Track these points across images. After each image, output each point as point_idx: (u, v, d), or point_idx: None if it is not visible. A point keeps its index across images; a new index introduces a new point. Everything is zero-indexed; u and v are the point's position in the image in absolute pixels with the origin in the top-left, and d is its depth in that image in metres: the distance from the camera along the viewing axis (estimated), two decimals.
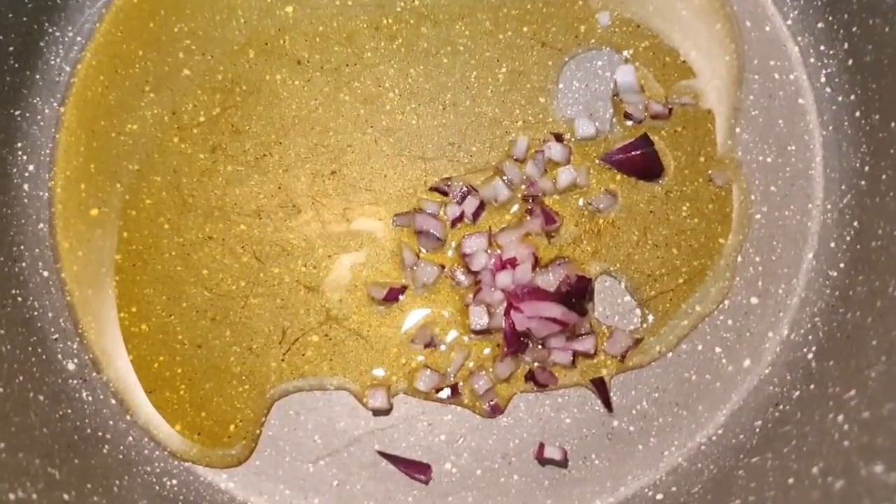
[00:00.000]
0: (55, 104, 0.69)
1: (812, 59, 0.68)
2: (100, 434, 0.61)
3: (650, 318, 0.63)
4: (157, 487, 0.60)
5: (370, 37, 0.70)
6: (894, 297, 0.55)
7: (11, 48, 0.66)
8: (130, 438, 0.62)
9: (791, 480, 0.51)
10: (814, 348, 0.61)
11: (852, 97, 0.65)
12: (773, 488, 0.51)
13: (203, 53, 0.70)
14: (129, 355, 0.64)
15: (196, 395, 0.63)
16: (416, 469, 0.61)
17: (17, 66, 0.67)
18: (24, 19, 0.67)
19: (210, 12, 0.71)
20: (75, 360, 0.63)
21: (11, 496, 0.48)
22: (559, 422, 0.62)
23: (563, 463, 0.61)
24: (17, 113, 0.67)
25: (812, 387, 0.58)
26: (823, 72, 0.67)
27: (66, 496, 0.52)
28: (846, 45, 0.65)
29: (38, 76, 0.69)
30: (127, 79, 0.70)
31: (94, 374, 0.63)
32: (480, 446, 0.62)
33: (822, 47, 0.67)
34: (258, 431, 0.62)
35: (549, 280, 0.62)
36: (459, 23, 0.70)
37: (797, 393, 0.59)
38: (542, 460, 0.61)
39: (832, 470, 0.47)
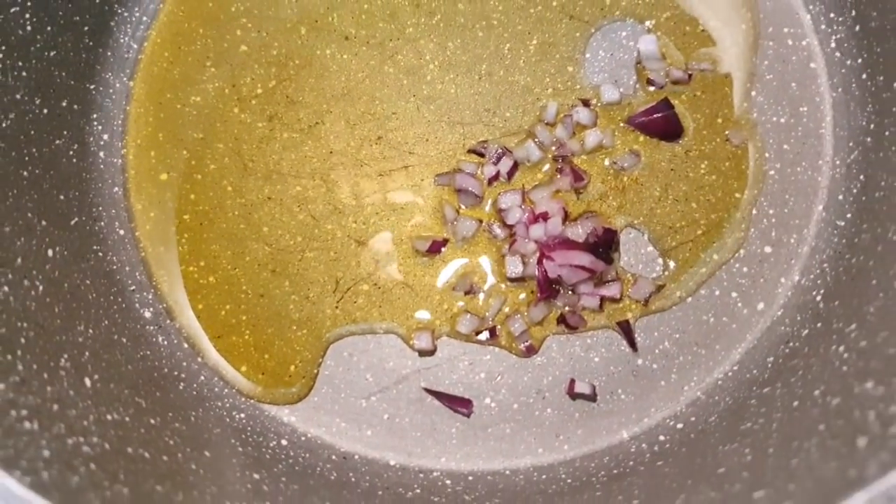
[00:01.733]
0: (125, 78, 0.75)
1: (823, 26, 0.73)
2: (175, 373, 0.68)
3: (671, 266, 0.69)
4: (228, 420, 0.67)
5: (411, 13, 0.76)
6: (894, 241, 0.60)
7: (86, 28, 0.73)
8: (202, 378, 0.69)
9: (795, 403, 0.56)
10: (822, 291, 0.66)
11: (859, 61, 0.70)
12: (780, 411, 0.57)
13: (258, 31, 0.76)
14: (199, 305, 0.71)
15: (259, 340, 0.70)
16: (458, 403, 0.67)
17: (91, 44, 0.73)
18: (97, 1, 0.74)
19: None
20: (151, 309, 0.70)
21: (109, 417, 0.54)
22: (588, 360, 0.68)
23: (592, 397, 0.67)
24: (91, 87, 0.74)
25: (819, 325, 0.64)
26: (833, 37, 0.72)
27: (152, 421, 0.58)
28: (853, 13, 0.70)
29: (109, 53, 0.75)
30: (189, 55, 0.76)
31: (168, 321, 0.70)
32: (517, 383, 0.68)
33: (831, 14, 0.72)
34: (315, 371, 0.69)
35: (578, 232, 0.68)
36: None
37: (805, 331, 0.65)
38: (573, 395, 0.67)
39: (830, 391, 0.53)
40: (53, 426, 0.47)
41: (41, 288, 0.60)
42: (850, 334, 0.58)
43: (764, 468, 0.49)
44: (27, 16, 0.66)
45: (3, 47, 0.64)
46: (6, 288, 0.56)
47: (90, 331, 0.62)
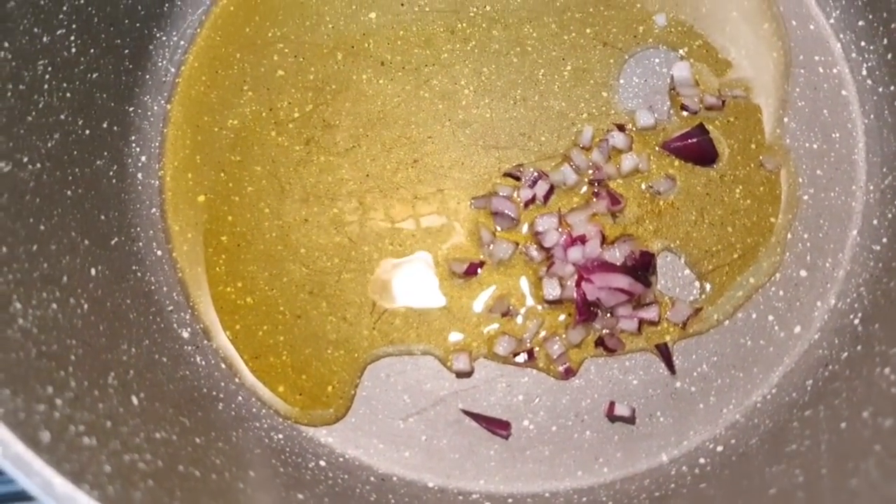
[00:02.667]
0: (163, 101, 0.76)
1: (854, 55, 0.74)
2: (214, 393, 0.68)
3: (708, 289, 0.69)
4: (267, 441, 0.66)
5: (446, 40, 0.77)
6: None
7: (126, 51, 0.74)
8: (240, 398, 0.69)
9: (843, 425, 0.56)
10: (860, 314, 0.67)
11: (892, 88, 0.71)
12: (826, 432, 0.57)
13: (295, 56, 0.77)
14: (236, 326, 0.71)
15: (296, 360, 0.70)
16: (497, 425, 0.67)
17: (130, 66, 0.74)
18: (137, 25, 0.75)
19: (300, 18, 0.78)
20: (188, 329, 0.70)
21: (157, 435, 0.54)
22: (627, 383, 0.68)
23: (631, 420, 0.67)
24: (130, 109, 0.75)
25: (859, 348, 0.64)
26: (864, 65, 0.73)
27: (197, 440, 0.58)
28: (885, 41, 0.71)
29: (147, 76, 0.76)
30: (226, 79, 0.77)
31: (206, 341, 0.70)
32: (555, 405, 0.68)
33: (862, 43, 0.73)
34: (353, 392, 0.69)
35: (616, 255, 0.68)
36: (527, 25, 0.77)
37: (845, 354, 0.65)
38: (612, 417, 0.67)
39: (881, 412, 0.53)
40: (109, 442, 0.47)
41: (86, 307, 0.60)
42: (890, 354, 0.58)
43: (821, 488, 0.49)
44: (72, 38, 0.67)
45: (50, 68, 0.65)
46: (55, 305, 0.56)
47: (133, 349, 0.62)
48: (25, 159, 0.61)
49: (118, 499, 0.41)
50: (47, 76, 0.65)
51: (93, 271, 0.63)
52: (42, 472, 0.39)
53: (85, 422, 0.47)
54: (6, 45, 0.61)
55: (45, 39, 0.65)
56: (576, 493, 0.66)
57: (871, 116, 0.72)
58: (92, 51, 0.69)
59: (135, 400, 0.56)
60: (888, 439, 0.48)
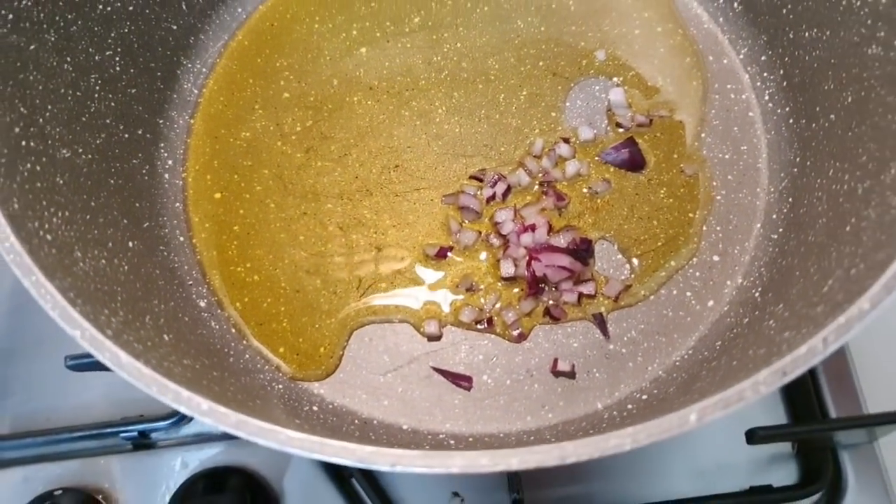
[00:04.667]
0: (187, 116, 0.91)
1: (758, 83, 0.90)
2: (226, 351, 0.81)
3: (637, 269, 0.84)
4: (270, 388, 0.79)
5: (424, 70, 0.93)
6: (811, 242, 0.75)
7: (159, 73, 0.89)
8: (247, 356, 0.82)
9: (734, 363, 0.70)
10: (759, 289, 0.80)
11: (787, 109, 0.87)
12: (722, 370, 0.71)
13: (299, 81, 0.93)
14: (245, 298, 0.85)
15: (294, 327, 0.83)
16: (461, 379, 0.80)
17: (161, 86, 0.90)
18: (168, 53, 0.90)
19: (304, 52, 0.94)
20: (205, 301, 0.84)
21: (185, 361, 0.67)
22: (569, 346, 0.81)
23: (571, 375, 0.80)
24: (160, 121, 0.90)
25: (756, 313, 0.78)
26: (766, 92, 0.89)
27: (215, 373, 0.71)
28: (782, 72, 0.87)
29: (175, 95, 0.91)
30: (241, 99, 0.93)
31: (219, 311, 0.84)
32: (509, 363, 0.81)
33: (765, 74, 0.89)
34: (341, 353, 0.82)
35: (560, 241, 0.83)
36: (491, 59, 0.93)
37: (746, 319, 0.79)
38: (556, 373, 0.80)
39: (757, 346, 0.67)
40: (150, 354, 0.60)
41: (126, 268, 0.73)
42: (777, 312, 0.72)
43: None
44: (117, 59, 0.82)
45: (100, 81, 0.80)
46: (103, 261, 0.70)
47: (161, 305, 0.75)
48: (80, 150, 0.75)
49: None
50: (97, 87, 0.80)
51: (130, 244, 0.77)
52: (112, 349, 0.53)
53: (133, 338, 0.61)
54: (69, 59, 0.76)
55: (97, 58, 0.80)
56: (525, 433, 0.79)
57: (772, 132, 0.88)
58: (132, 70, 0.85)
59: (166, 337, 0.69)
60: (760, 364, 0.61)
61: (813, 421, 0.80)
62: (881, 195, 0.65)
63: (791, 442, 0.81)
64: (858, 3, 0.75)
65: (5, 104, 0.65)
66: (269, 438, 0.50)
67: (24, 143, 0.66)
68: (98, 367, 0.77)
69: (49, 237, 0.62)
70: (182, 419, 0.88)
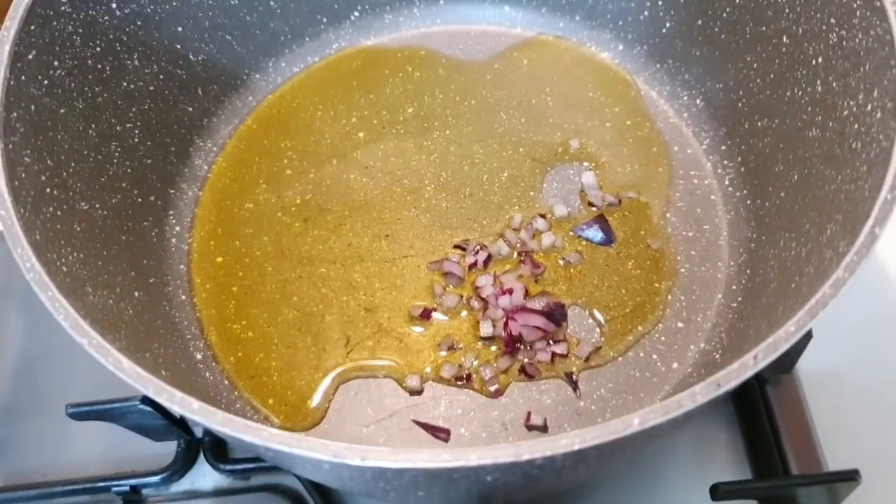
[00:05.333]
0: (196, 189, 1.00)
1: (719, 170, 0.98)
2: (218, 399, 0.86)
3: (606, 333, 0.90)
4: None
5: (415, 153, 1.02)
6: (764, 305, 0.81)
7: (173, 148, 0.97)
8: (238, 405, 0.87)
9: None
10: (720, 351, 0.86)
11: (745, 191, 0.94)
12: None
13: (301, 161, 1.01)
14: (238, 353, 0.90)
15: (284, 380, 0.88)
16: (439, 432, 0.84)
17: (174, 160, 0.98)
18: (182, 132, 0.99)
19: (306, 135, 1.03)
20: (201, 353, 0.89)
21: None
22: (542, 402, 0.86)
23: (544, 429, 0.84)
24: (171, 191, 0.97)
25: (715, 370, 0.83)
26: (727, 178, 0.97)
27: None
28: (739, 159, 0.96)
29: (186, 169, 1.00)
30: (247, 175, 1.01)
31: (214, 364, 0.89)
32: (486, 417, 0.85)
33: (725, 162, 0.98)
34: (327, 405, 0.86)
35: (536, 304, 0.89)
36: (476, 145, 1.02)
37: (706, 377, 0.84)
38: (529, 426, 0.84)
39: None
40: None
41: (130, 312, 0.79)
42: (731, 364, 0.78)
43: None
44: (136, 131, 0.91)
45: (119, 149, 0.88)
46: (111, 301, 0.76)
47: (161, 349, 0.81)
48: (97, 205, 0.83)
49: None
50: (117, 154, 0.88)
51: (136, 294, 0.83)
52: (115, 354, 0.58)
53: (133, 360, 0.66)
54: (93, 126, 0.84)
55: (118, 128, 0.89)
56: None
57: (732, 213, 0.95)
58: (149, 143, 0.93)
59: (163, 373, 0.75)
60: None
61: (775, 477, 0.84)
62: (819, 253, 0.72)
63: (755, 498, 0.84)
64: (800, 94, 0.84)
65: (35, 154, 0.73)
66: (254, 436, 0.55)
67: (48, 189, 0.74)
68: (97, 415, 0.83)
69: (65, 269, 0.69)
70: (173, 475, 0.92)
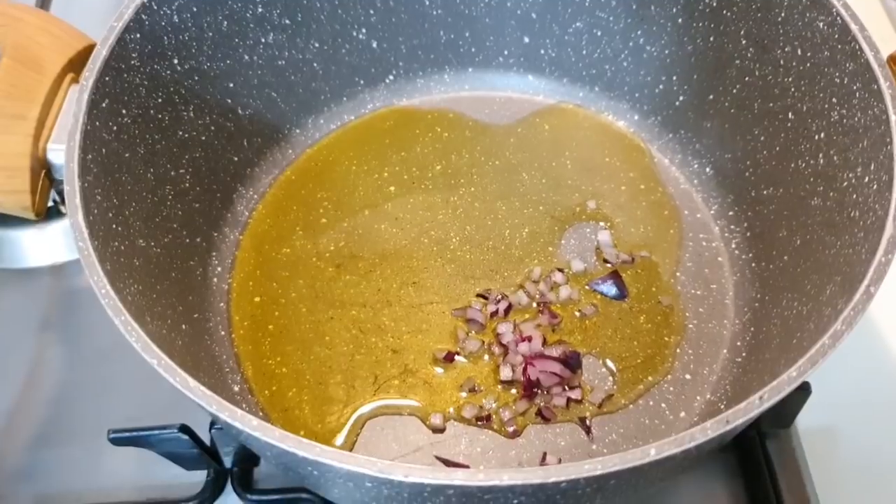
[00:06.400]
0: (238, 233, 1.06)
1: (726, 234, 1.05)
2: None
3: (619, 382, 0.96)
4: None
5: (442, 207, 1.09)
6: (766, 359, 0.87)
7: (218, 195, 1.04)
8: None
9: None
10: (724, 402, 0.92)
11: (750, 254, 1.01)
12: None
13: (335, 210, 1.08)
14: (273, 387, 0.96)
15: (315, 415, 0.93)
16: (460, 468, 0.90)
17: (219, 206, 1.04)
18: (228, 180, 1.05)
19: (341, 187, 1.10)
20: (238, 386, 0.95)
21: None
22: (557, 443, 0.91)
23: None
24: (215, 234, 1.04)
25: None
26: (733, 241, 1.04)
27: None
28: (745, 224, 1.02)
29: (229, 215, 1.06)
30: (285, 222, 1.08)
31: (249, 396, 0.95)
32: (504, 456, 0.90)
33: (732, 226, 1.04)
34: (355, 439, 0.92)
35: (553, 352, 0.95)
36: (499, 202, 1.09)
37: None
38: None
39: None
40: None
41: (179, 343, 0.86)
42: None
43: None
44: (188, 177, 0.98)
45: (172, 192, 0.95)
46: (164, 331, 0.82)
47: (205, 378, 0.87)
48: (153, 244, 0.89)
49: None
50: (170, 197, 0.95)
51: (183, 326, 0.90)
52: (183, 374, 0.65)
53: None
54: (151, 170, 0.91)
55: (172, 173, 0.96)
56: None
57: (738, 274, 1.02)
58: (197, 188, 1.00)
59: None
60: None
61: None
62: (819, 311, 0.78)
63: None
64: (803, 165, 0.91)
65: (104, 193, 0.80)
66: (307, 451, 0.61)
67: (113, 226, 0.81)
68: (135, 441, 0.89)
69: (129, 298, 0.75)
70: (202, 503, 0.97)
